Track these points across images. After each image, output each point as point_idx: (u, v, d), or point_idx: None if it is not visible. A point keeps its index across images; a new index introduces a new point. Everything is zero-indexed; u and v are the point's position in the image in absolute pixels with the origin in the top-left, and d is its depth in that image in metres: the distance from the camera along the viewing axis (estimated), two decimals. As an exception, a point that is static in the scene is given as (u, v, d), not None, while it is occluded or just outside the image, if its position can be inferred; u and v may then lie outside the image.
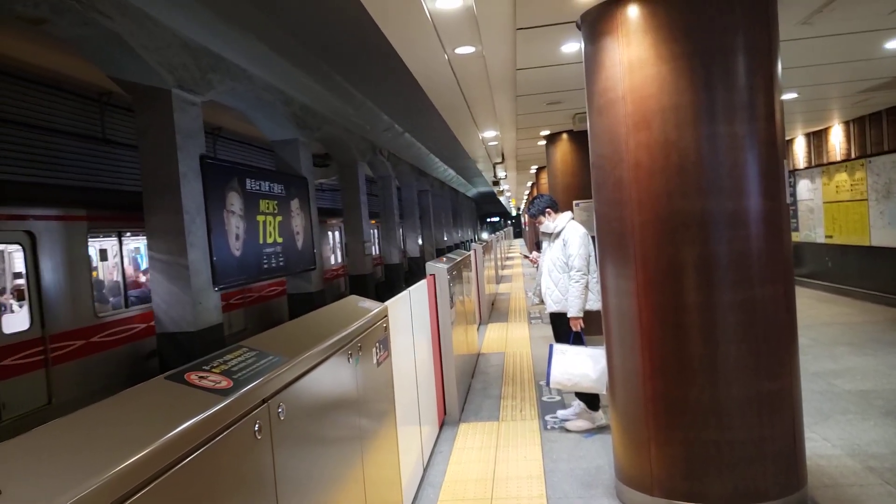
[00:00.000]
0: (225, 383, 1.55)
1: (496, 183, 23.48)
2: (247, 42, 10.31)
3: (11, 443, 1.10)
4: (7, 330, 7.58)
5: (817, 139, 13.10)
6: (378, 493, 2.83)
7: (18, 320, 7.85)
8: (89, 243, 9.14)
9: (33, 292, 8.03)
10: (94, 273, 9.38)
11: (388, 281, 23.29)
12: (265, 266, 12.01)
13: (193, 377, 1.54)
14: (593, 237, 4.49)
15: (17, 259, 8.04)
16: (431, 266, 5.76)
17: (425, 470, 4.59)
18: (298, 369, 1.91)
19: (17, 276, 8.06)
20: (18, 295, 7.98)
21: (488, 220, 77.42)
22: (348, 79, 13.77)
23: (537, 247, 10.82)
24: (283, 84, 12.89)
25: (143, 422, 1.28)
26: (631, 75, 3.47)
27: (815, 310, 9.92)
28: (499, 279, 18.96)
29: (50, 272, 8.30)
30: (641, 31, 3.44)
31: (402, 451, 3.58)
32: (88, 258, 9.07)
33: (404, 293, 4.43)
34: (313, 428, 2.07)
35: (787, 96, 8.27)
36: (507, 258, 29.83)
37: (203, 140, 9.85)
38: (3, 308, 7.76)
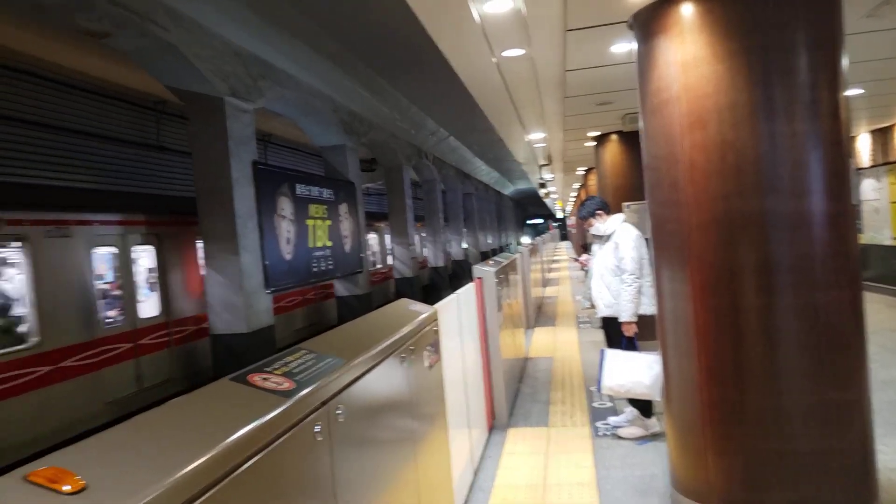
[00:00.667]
0: (287, 385, 1.57)
1: (542, 185, 23.32)
2: (295, 49, 10.51)
3: (90, 441, 1.13)
4: (142, 315, 8.94)
5: (883, 136, 12.61)
6: (431, 496, 2.82)
7: (151, 307, 9.21)
8: (197, 244, 10.16)
9: (160, 284, 9.38)
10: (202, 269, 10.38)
11: (432, 284, 23.37)
12: (315, 269, 12.19)
13: (257, 379, 1.56)
14: (647, 239, 4.41)
15: (150, 257, 9.38)
16: (479, 269, 5.74)
17: (475, 474, 4.57)
18: (356, 371, 1.92)
19: (150, 270, 9.41)
20: (151, 287, 9.34)
21: (528, 221, 67.43)
22: (395, 84, 13.89)
23: (584, 249, 10.66)
24: (331, 90, 13.08)
25: (212, 422, 1.31)
26: (686, 74, 3.39)
27: (882, 315, 9.53)
28: (545, 283, 18.81)
29: (171, 268, 9.61)
30: (697, 28, 3.36)
31: (452, 454, 3.58)
32: (197, 257, 10.17)
33: (452, 296, 4.42)
34: (370, 430, 2.08)
35: (852, 92, 7.97)
36: (554, 261, 29.57)
37: (255, 146, 10.06)
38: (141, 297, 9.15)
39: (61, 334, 7.51)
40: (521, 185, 45.10)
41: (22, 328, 7.13)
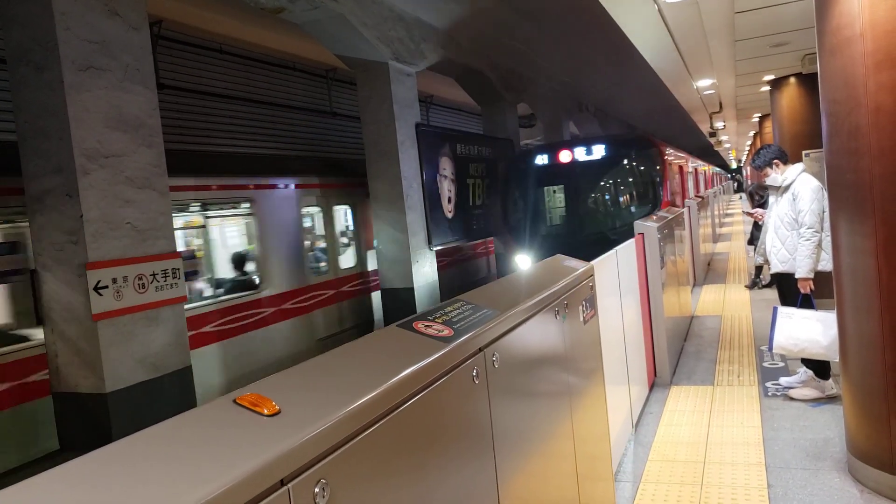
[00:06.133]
0: (447, 332, 1.74)
1: (713, 134, 21.83)
2: (454, 10, 10.66)
3: (283, 374, 1.37)
4: (343, 266, 10.27)
5: None
6: (587, 448, 2.92)
7: (349, 260, 10.54)
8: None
9: (354, 241, 10.64)
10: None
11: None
12: (474, 227, 12.51)
13: (420, 326, 1.75)
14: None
15: (346, 215, 10.70)
16: (640, 225, 5.64)
17: (634, 429, 4.60)
18: (510, 322, 2.06)
19: (347, 227, 10.74)
20: (348, 241, 10.66)
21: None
22: (553, 37, 13.63)
23: (751, 198, 9.94)
24: (490, 49, 13.13)
25: (383, 362, 1.51)
26: (872, 8, 3.07)
27: None
28: (716, 238, 17.79)
29: (363, 225, 10.77)
30: (887, -46, 3.02)
31: (610, 409, 3.64)
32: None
33: (611, 252, 4.41)
34: (524, 379, 2.22)
35: None
36: (726, 215, 27.78)
37: (417, 109, 10.44)
38: (343, 249, 10.58)
39: (279, 281, 8.75)
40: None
41: (252, 276, 8.51)
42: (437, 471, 1.53)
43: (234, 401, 1.18)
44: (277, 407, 1.17)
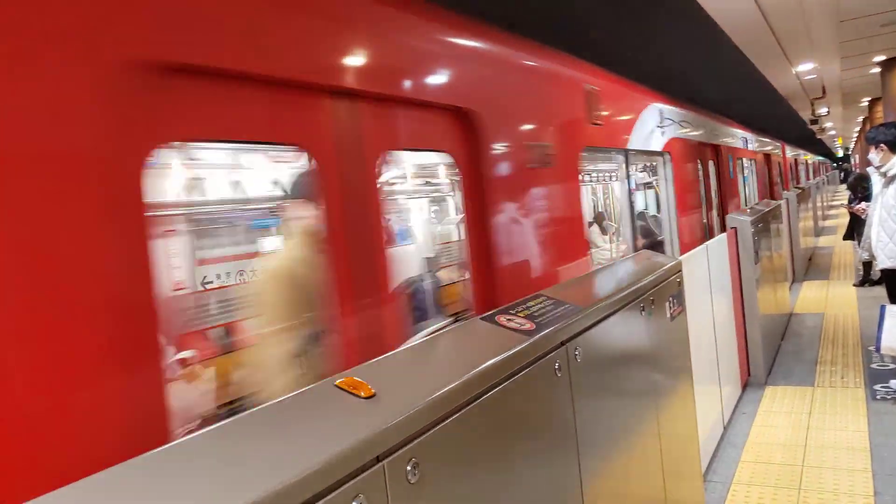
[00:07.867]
0: (529, 325, 1.79)
1: (815, 121, 20.58)
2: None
3: (381, 360, 1.48)
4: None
5: None
6: (674, 446, 2.88)
7: None
8: None
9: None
10: None
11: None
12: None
13: (503, 319, 1.81)
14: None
15: None
16: (733, 218, 5.45)
17: (725, 429, 4.47)
18: (592, 317, 2.07)
19: None
20: None
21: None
22: (634, 23, 13.29)
23: (853, 191, 9.27)
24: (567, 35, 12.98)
25: (468, 352, 1.59)
26: None
27: None
28: (818, 231, 16.82)
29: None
30: None
31: (699, 408, 3.55)
32: None
33: (701, 248, 4.31)
34: (608, 374, 2.23)
35: None
36: (830, 207, 26.21)
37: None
38: None
39: None
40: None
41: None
42: (521, 458, 1.58)
43: (335, 384, 1.29)
44: (373, 390, 1.27)
